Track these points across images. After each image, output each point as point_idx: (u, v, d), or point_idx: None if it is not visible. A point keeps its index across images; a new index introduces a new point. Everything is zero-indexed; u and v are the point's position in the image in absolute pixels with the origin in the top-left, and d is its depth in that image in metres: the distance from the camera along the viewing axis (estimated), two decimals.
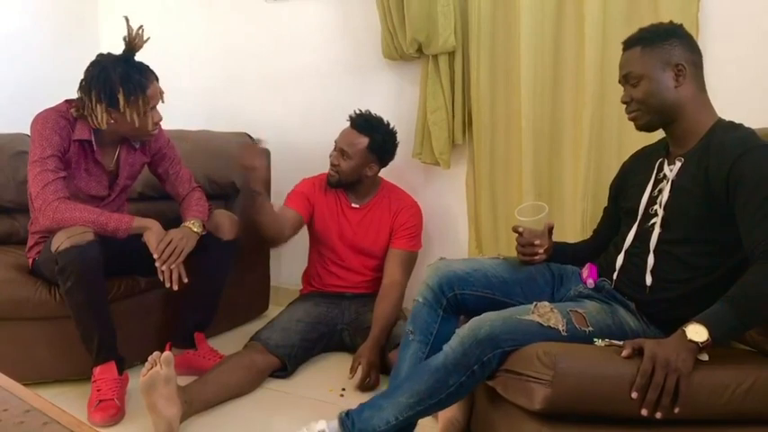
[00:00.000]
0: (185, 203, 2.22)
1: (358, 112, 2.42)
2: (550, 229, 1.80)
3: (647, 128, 1.63)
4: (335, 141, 2.42)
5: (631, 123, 1.65)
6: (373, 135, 2.37)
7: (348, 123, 2.42)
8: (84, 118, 2.02)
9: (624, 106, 1.64)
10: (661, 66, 1.55)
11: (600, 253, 1.76)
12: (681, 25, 1.63)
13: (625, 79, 1.61)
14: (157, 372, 1.77)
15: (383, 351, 2.22)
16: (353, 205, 2.48)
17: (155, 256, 1.97)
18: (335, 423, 1.55)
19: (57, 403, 1.00)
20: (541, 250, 1.76)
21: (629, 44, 1.62)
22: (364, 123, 2.39)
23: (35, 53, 2.96)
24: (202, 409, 1.96)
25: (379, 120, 2.41)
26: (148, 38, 2.01)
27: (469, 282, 1.70)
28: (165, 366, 1.78)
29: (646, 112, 1.59)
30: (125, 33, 1.99)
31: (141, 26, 2.00)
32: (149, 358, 1.80)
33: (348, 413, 1.55)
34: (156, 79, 2.05)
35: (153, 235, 1.99)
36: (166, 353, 1.81)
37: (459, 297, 1.70)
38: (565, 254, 1.83)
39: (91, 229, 1.92)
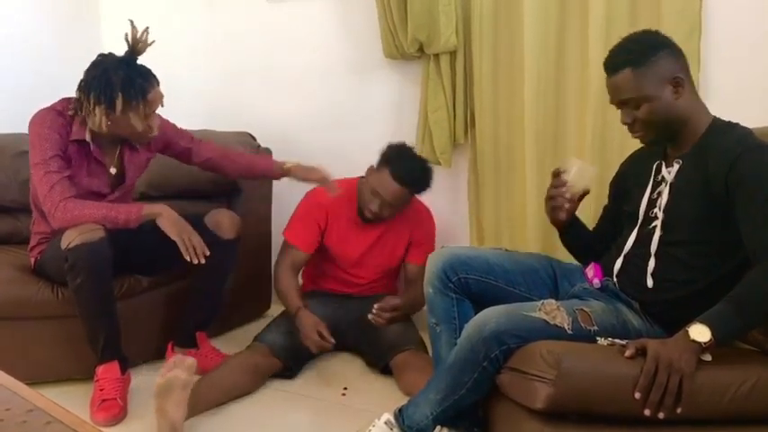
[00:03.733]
0: (231, 159, 2.30)
1: (397, 157, 2.25)
2: (583, 196, 1.78)
3: (654, 143, 1.61)
4: (378, 190, 2.23)
5: None
6: (419, 189, 2.31)
7: (387, 169, 2.23)
8: (82, 118, 2.00)
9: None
10: (658, 82, 1.51)
11: (600, 249, 1.77)
12: (657, 32, 1.58)
13: (622, 103, 1.56)
14: (177, 377, 1.73)
15: (403, 318, 2.26)
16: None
17: (174, 237, 1.96)
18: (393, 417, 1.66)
19: (59, 403, 1.00)
20: (567, 204, 1.74)
21: (616, 67, 1.54)
22: (409, 179, 2.24)
23: (36, 52, 2.95)
24: (204, 409, 1.96)
25: (422, 166, 2.29)
26: (153, 41, 1.97)
27: (472, 266, 1.71)
28: (187, 373, 1.75)
29: (651, 131, 1.56)
30: (128, 34, 1.96)
31: (146, 28, 1.96)
32: (170, 361, 1.78)
33: (400, 409, 1.66)
34: (158, 83, 2.00)
35: (165, 220, 1.97)
36: (191, 359, 1.78)
37: (463, 281, 1.70)
38: (579, 231, 1.83)
39: (101, 227, 1.91)
